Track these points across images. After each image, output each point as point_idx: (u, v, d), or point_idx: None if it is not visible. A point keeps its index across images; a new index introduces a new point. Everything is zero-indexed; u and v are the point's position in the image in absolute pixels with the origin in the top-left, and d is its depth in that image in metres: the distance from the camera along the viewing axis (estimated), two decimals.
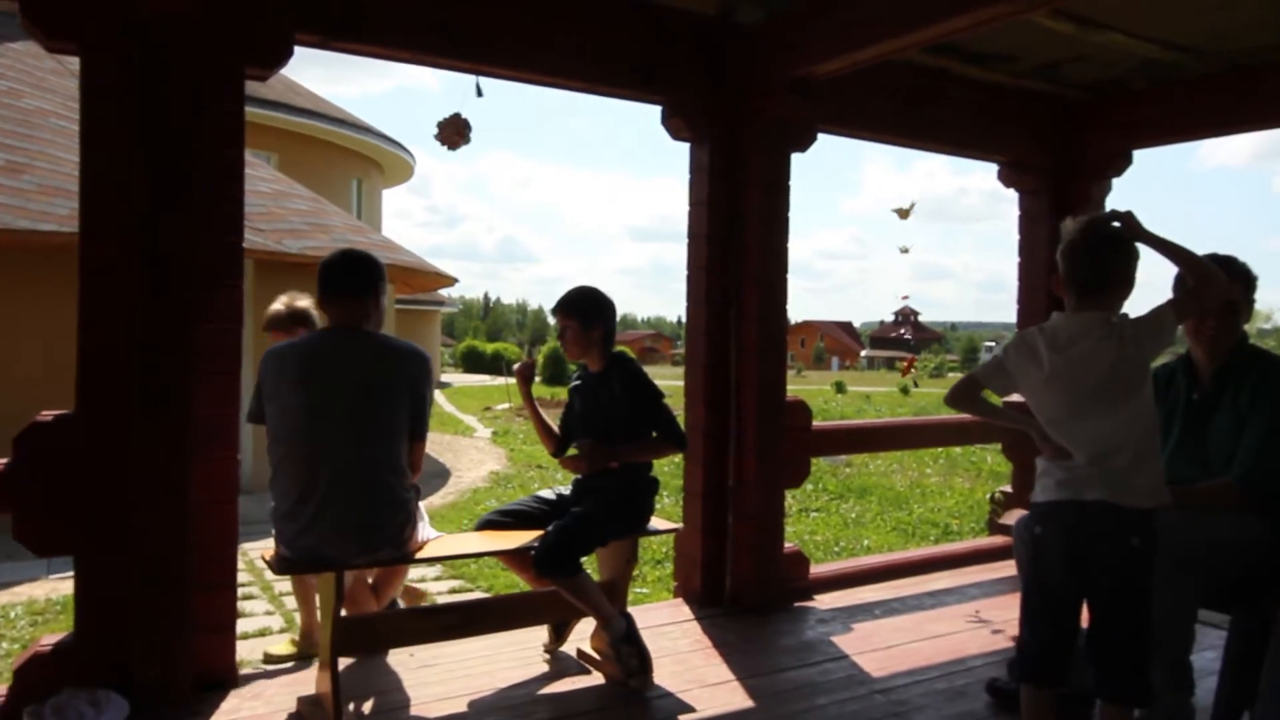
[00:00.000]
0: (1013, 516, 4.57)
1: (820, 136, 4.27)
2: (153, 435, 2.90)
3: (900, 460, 11.99)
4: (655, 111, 4.14)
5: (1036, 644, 2.43)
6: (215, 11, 2.99)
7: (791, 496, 8.58)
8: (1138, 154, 5.10)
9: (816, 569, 4.57)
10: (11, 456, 2.80)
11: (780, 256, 4.16)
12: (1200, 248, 2.48)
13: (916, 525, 8.03)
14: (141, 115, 2.88)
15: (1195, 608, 2.65)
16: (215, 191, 3.04)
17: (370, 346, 2.96)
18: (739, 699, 3.14)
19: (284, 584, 5.24)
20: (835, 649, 3.64)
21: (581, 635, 3.50)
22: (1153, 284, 2.65)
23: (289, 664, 3.52)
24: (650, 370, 4.49)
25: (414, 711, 3.00)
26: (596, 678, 3.31)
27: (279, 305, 3.75)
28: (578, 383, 3.51)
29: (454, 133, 3.72)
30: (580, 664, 3.43)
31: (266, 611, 4.95)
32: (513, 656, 3.45)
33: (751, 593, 4.11)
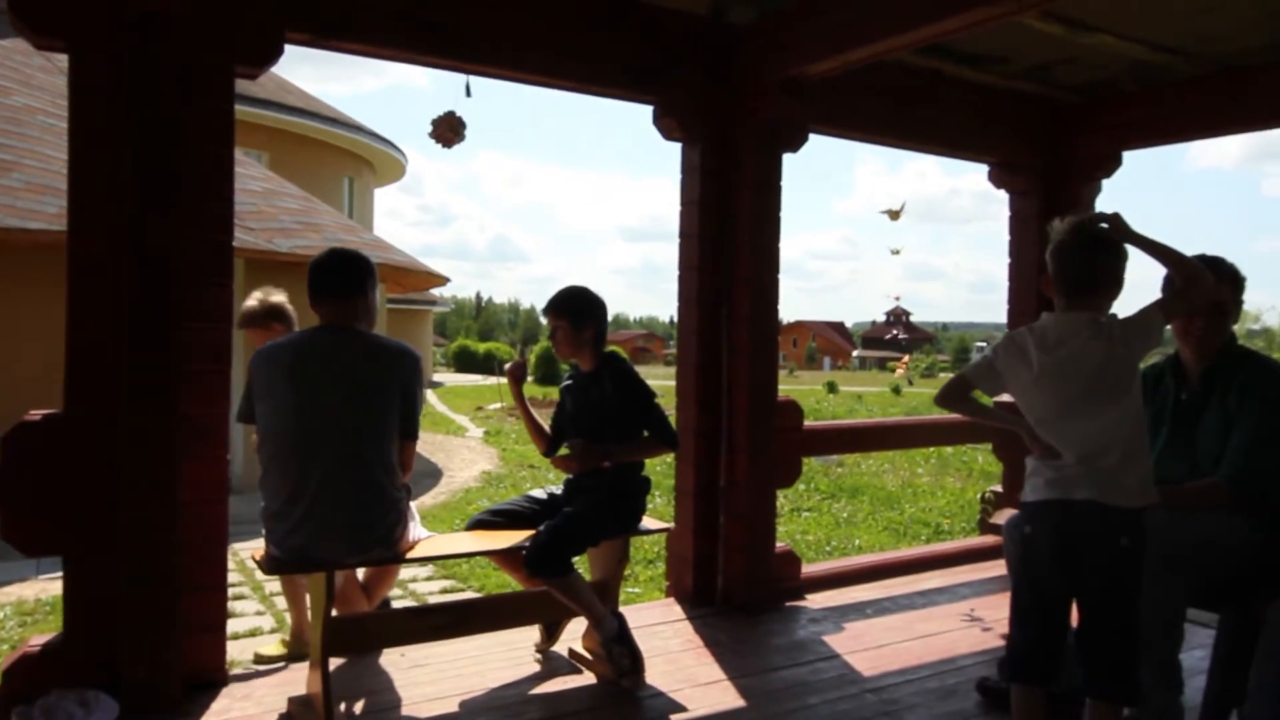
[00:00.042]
0: (1004, 516, 4.59)
1: (812, 137, 4.27)
2: (142, 435, 2.89)
3: (892, 460, 12.02)
4: (648, 111, 4.14)
5: (1026, 643, 2.44)
6: (205, 9, 2.98)
7: (783, 496, 8.59)
8: (1128, 155, 5.13)
9: (808, 568, 4.58)
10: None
11: (771, 257, 4.17)
12: (1190, 249, 2.49)
13: (908, 525, 8.05)
14: (130, 113, 2.87)
15: (1184, 607, 2.66)
16: (205, 190, 3.03)
17: (361, 346, 2.96)
18: (730, 698, 3.14)
19: (275, 584, 5.22)
20: (827, 648, 3.64)
21: (573, 635, 3.50)
22: (1142, 284, 2.66)
23: (279, 664, 3.51)
24: (642, 370, 4.50)
25: (405, 711, 2.99)
26: (588, 677, 3.31)
27: (253, 301, 3.73)
28: (569, 382, 3.51)
29: (448, 130, 3.71)
30: (572, 664, 3.42)
31: (257, 612, 4.93)
32: (504, 656, 3.45)
33: (743, 592, 4.12)
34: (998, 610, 4.07)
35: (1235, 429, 2.83)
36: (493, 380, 29.04)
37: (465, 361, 43.01)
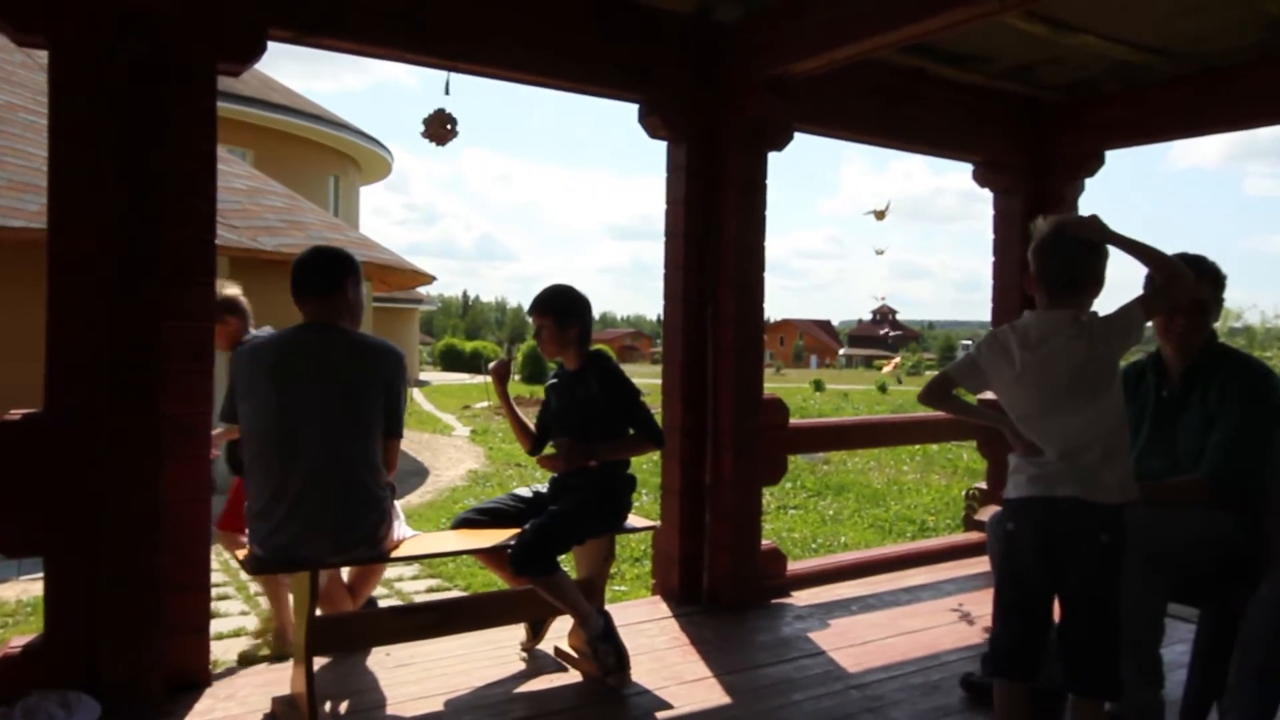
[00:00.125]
0: (988, 513, 4.61)
1: (798, 136, 4.29)
2: (123, 434, 2.87)
3: (878, 457, 12.06)
4: (634, 109, 4.14)
5: (1009, 639, 2.45)
6: (186, 6, 2.95)
7: (769, 494, 8.61)
8: (1111, 155, 5.17)
9: (794, 566, 4.60)
10: None
11: (757, 256, 4.17)
12: (1172, 248, 2.52)
13: (893, 522, 8.08)
14: (111, 111, 2.85)
15: (1165, 602, 2.69)
16: (187, 188, 3.01)
17: (345, 344, 2.94)
18: (716, 696, 3.15)
19: (259, 584, 5.19)
20: (812, 645, 3.66)
21: (559, 633, 3.50)
22: (1124, 283, 2.69)
23: (262, 664, 3.49)
24: (630, 368, 4.50)
25: (390, 711, 2.98)
26: (574, 675, 3.31)
27: None
28: (554, 381, 3.51)
29: (441, 128, 3.71)
30: (557, 662, 3.42)
31: (241, 612, 4.90)
32: (489, 655, 3.44)
33: (729, 590, 4.13)
34: (982, 606, 4.09)
35: (1216, 426, 2.85)
36: (479, 379, 28.98)
37: (452, 360, 42.87)
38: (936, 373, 2.77)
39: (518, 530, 3.18)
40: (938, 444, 12.24)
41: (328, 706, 2.99)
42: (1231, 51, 4.26)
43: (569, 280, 19.22)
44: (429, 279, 14.97)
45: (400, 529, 3.12)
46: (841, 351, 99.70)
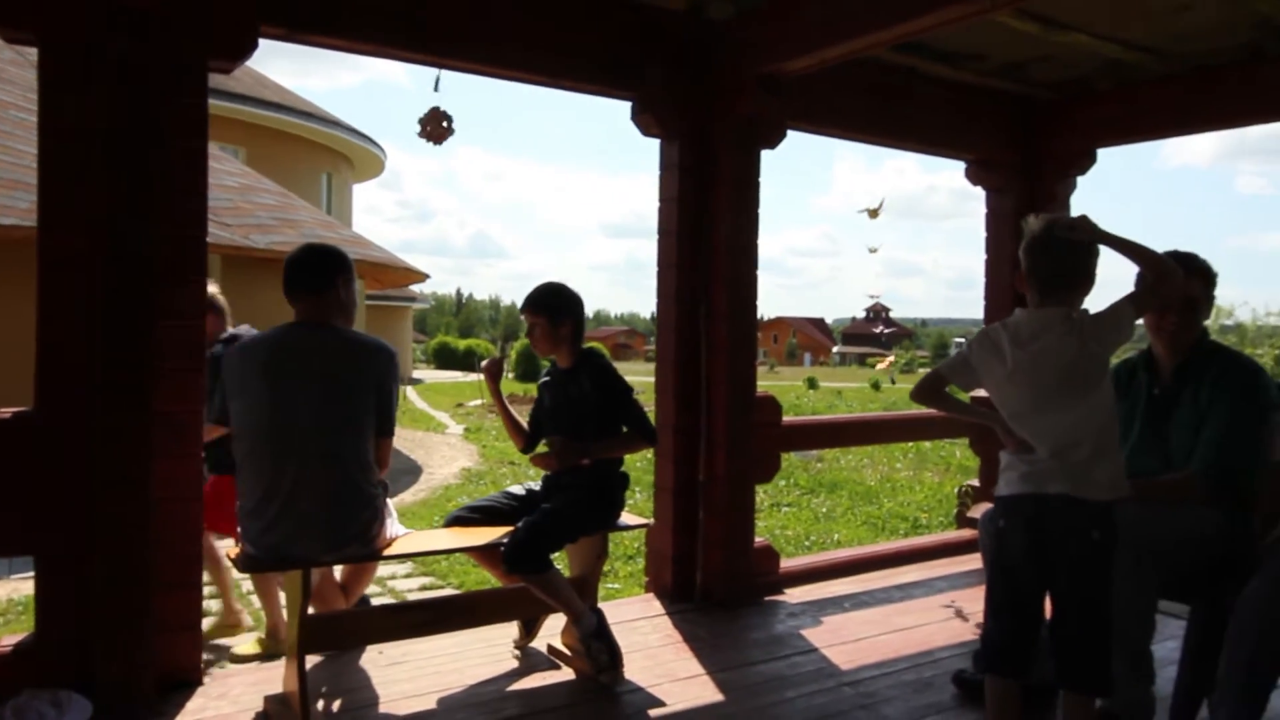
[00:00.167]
0: (981, 510, 4.63)
1: (791, 134, 4.29)
2: (114, 432, 2.86)
3: (871, 455, 12.08)
4: (627, 107, 4.14)
5: (1000, 635, 2.46)
6: (177, 3, 2.94)
7: (763, 491, 8.62)
8: (1102, 153, 5.18)
9: (787, 563, 4.60)
10: None
11: (749, 254, 4.18)
12: (1165, 246, 2.52)
13: (886, 519, 8.10)
14: (101, 107, 2.83)
15: (1155, 598, 2.70)
16: (178, 185, 3.00)
17: (336, 342, 2.94)
18: (709, 693, 3.15)
19: (251, 582, 5.18)
20: (804, 642, 3.66)
21: (552, 631, 3.50)
22: (1115, 281, 2.70)
23: (254, 662, 3.49)
24: (624, 366, 4.50)
25: (383, 709, 2.98)
26: (567, 673, 3.31)
27: None
28: (547, 379, 3.51)
29: (437, 127, 3.70)
30: (550, 660, 3.42)
31: None
32: (482, 653, 3.44)
33: (722, 587, 4.13)
34: (975, 603, 4.11)
35: (1207, 423, 2.86)
36: (473, 377, 28.96)
37: (445, 358, 42.82)
38: (929, 370, 2.77)
39: (511, 528, 3.17)
40: (930, 441, 12.27)
41: (320, 705, 2.99)
42: (1222, 50, 4.28)
43: (563, 278, 19.24)
44: (422, 276, 14.97)
45: (393, 527, 3.12)
46: (835, 349, 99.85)
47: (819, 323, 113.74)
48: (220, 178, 9.30)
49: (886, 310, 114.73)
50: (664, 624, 3.88)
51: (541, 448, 3.43)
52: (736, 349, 4.16)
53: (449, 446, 13.23)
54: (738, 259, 4.14)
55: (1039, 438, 2.37)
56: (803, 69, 3.89)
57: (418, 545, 3.17)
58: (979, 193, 5.43)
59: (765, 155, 4.20)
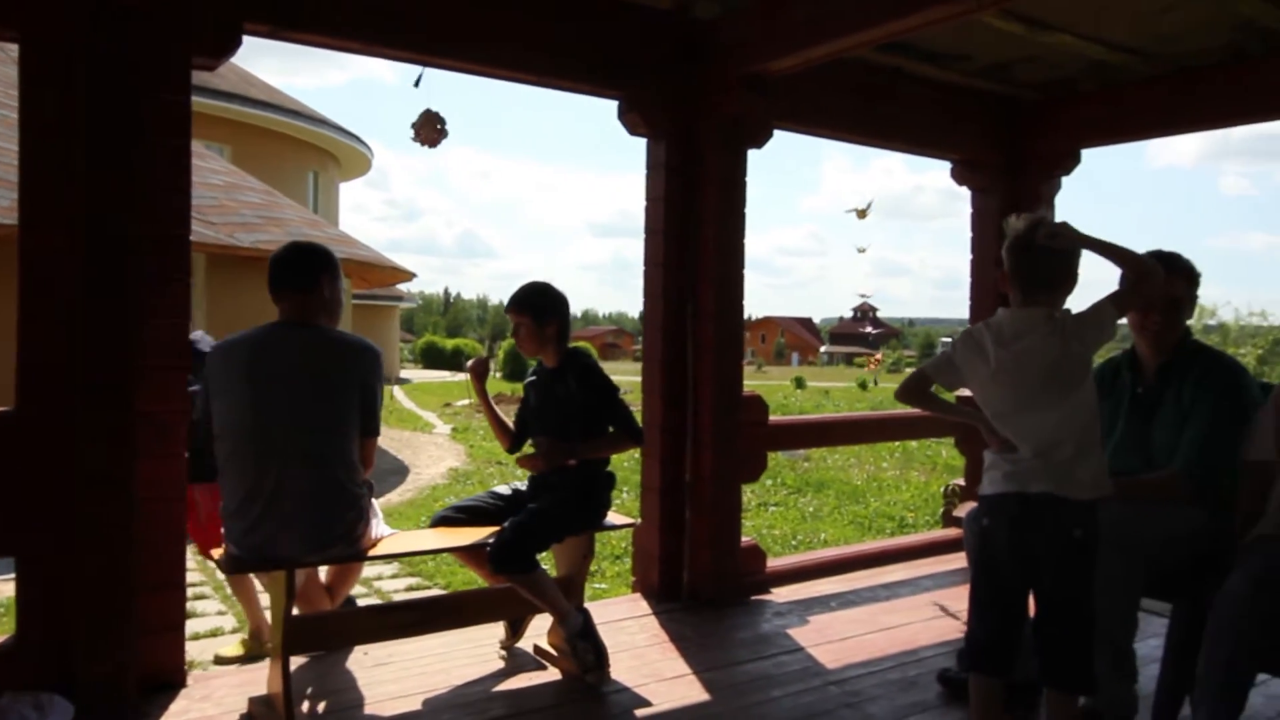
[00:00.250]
0: (966, 509, 4.65)
1: (779, 134, 4.30)
2: (97, 432, 2.84)
3: (858, 454, 12.12)
4: (614, 106, 4.13)
5: (984, 634, 2.47)
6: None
7: (750, 491, 8.64)
8: (1087, 153, 5.21)
9: (774, 562, 4.61)
10: None
11: (736, 253, 4.18)
12: (1149, 246, 2.54)
13: (873, 518, 8.13)
14: (84, 104, 2.81)
15: (1138, 597, 2.72)
16: (161, 183, 2.98)
17: (319, 341, 2.92)
18: (695, 693, 3.15)
19: (228, 584, 5.15)
20: (791, 641, 3.67)
21: (538, 631, 3.49)
22: (1098, 282, 2.70)
23: (238, 664, 3.47)
24: (612, 366, 4.49)
25: (368, 710, 2.97)
26: (553, 673, 3.30)
27: None
28: (533, 379, 3.50)
29: (432, 131, 3.69)
30: (537, 660, 3.42)
31: (218, 612, 4.86)
32: (469, 654, 3.43)
33: (709, 587, 4.13)
34: (960, 602, 4.12)
35: (1190, 422, 2.88)
36: (460, 377, 28.87)
37: (433, 358, 42.68)
38: (913, 370, 2.78)
39: (497, 528, 3.16)
40: (917, 441, 12.31)
41: (305, 706, 2.97)
42: (1205, 51, 4.31)
43: (551, 278, 19.21)
44: (409, 276, 14.92)
45: (378, 527, 3.11)
46: (823, 349, 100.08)
47: (806, 322, 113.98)
48: (205, 176, 9.24)
49: (874, 310, 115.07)
50: (650, 624, 3.88)
51: (528, 448, 3.42)
52: (723, 348, 4.16)
53: (436, 446, 13.20)
54: (725, 258, 4.14)
55: (1022, 437, 2.38)
56: (789, 68, 3.89)
57: (403, 545, 3.16)
58: (966, 193, 5.46)
59: (754, 155, 4.22)
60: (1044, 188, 5.23)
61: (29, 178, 2.83)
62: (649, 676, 3.27)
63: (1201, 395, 2.88)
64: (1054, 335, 2.35)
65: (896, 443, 12.47)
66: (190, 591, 3.65)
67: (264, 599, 3.70)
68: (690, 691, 3.16)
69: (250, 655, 3.74)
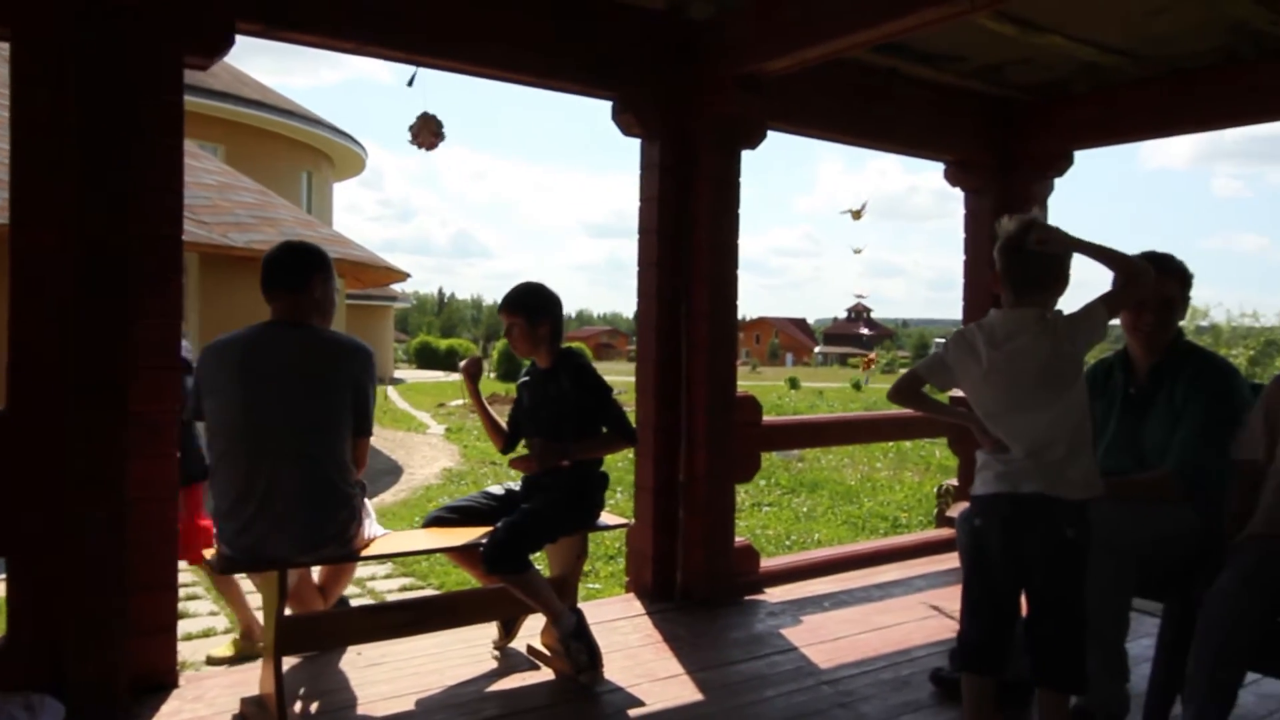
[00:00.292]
0: (959, 509, 4.66)
1: (773, 135, 4.30)
2: (89, 432, 2.82)
3: (851, 455, 12.14)
4: (608, 106, 4.13)
5: (976, 633, 2.48)
6: None
7: (744, 491, 8.64)
8: (1080, 155, 5.23)
9: (767, 563, 4.61)
10: None
11: (730, 253, 4.18)
12: (1142, 247, 2.55)
13: (866, 519, 8.14)
14: (75, 103, 2.80)
15: (1130, 596, 2.72)
16: (154, 183, 2.96)
17: (312, 341, 2.92)
18: (688, 693, 3.16)
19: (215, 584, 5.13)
20: (784, 641, 3.67)
21: (531, 631, 3.49)
22: (1091, 282, 2.72)
23: (229, 664, 3.46)
24: (606, 366, 4.50)
25: (361, 710, 2.96)
26: (546, 674, 3.30)
27: None
28: (526, 379, 3.50)
29: (429, 133, 3.69)
30: (530, 660, 3.42)
31: (210, 612, 4.85)
32: (462, 654, 3.43)
33: (702, 587, 4.13)
34: (953, 602, 4.11)
35: (1181, 423, 2.89)
36: (454, 377, 28.85)
37: (427, 358, 42.68)
38: (905, 370, 2.79)
39: (490, 528, 3.16)
40: (911, 441, 12.34)
41: (298, 707, 2.96)
42: (1197, 54, 4.32)
43: (545, 278, 19.21)
44: (403, 276, 14.90)
45: (371, 527, 3.10)
46: (817, 349, 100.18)
47: (801, 323, 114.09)
48: (198, 175, 9.21)
49: (868, 311, 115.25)
50: (644, 624, 3.88)
51: (521, 449, 3.42)
52: (717, 348, 4.16)
53: (430, 446, 13.19)
54: (719, 258, 4.15)
55: (1014, 437, 2.38)
56: (783, 69, 3.89)
57: (396, 546, 3.16)
58: (960, 194, 5.47)
59: (748, 155, 4.22)
60: (1037, 189, 5.24)
61: (19, 176, 2.81)
62: (642, 677, 3.27)
63: (1193, 396, 2.89)
64: (1046, 336, 2.36)
65: (890, 443, 12.49)
66: (182, 592, 3.64)
67: (252, 599, 3.70)
68: (684, 691, 3.16)
69: (242, 655, 3.73)
